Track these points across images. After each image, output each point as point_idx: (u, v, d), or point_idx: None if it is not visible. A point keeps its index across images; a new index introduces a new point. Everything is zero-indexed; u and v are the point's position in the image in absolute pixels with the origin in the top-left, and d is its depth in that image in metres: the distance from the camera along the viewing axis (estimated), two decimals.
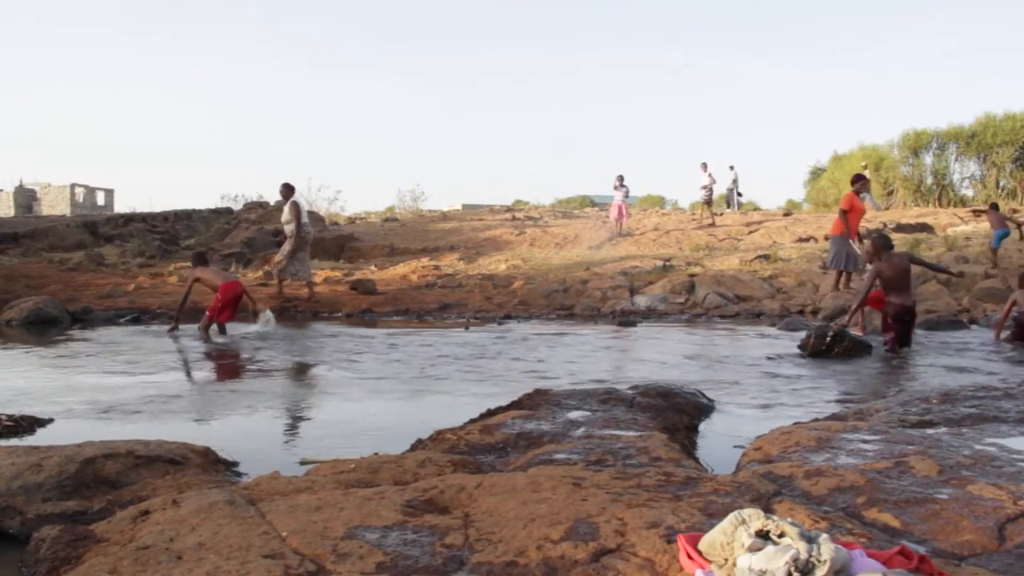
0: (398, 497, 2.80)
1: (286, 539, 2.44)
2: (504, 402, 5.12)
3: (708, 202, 24.54)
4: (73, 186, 48.10)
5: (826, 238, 16.75)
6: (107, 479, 3.45)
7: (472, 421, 4.57)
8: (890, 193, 31.25)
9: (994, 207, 16.34)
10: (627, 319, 12.24)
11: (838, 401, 5.63)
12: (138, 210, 28.52)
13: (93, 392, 6.06)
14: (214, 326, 10.18)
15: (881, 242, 8.54)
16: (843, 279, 12.94)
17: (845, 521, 2.53)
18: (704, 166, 24.24)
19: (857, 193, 12.77)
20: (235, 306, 10.36)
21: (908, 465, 3.10)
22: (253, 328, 10.49)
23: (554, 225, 26.55)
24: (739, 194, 29.48)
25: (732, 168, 28.87)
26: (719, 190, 26.78)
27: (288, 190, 14.30)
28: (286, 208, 14.26)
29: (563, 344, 9.36)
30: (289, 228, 14.10)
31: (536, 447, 3.83)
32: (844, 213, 12.49)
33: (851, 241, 12.51)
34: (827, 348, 7.89)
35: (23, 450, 3.63)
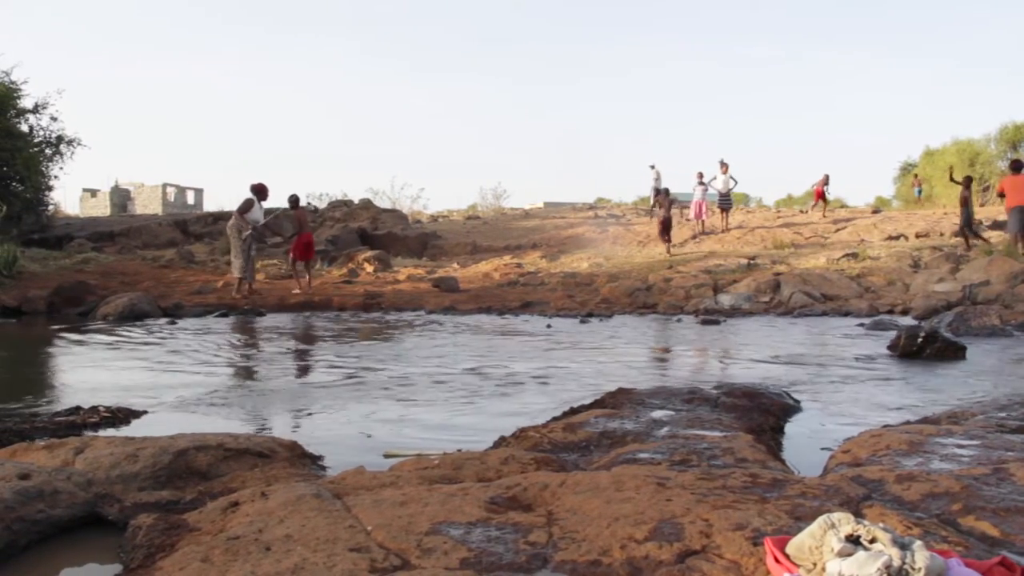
0: (482, 494, 2.82)
1: (371, 533, 2.47)
2: (586, 400, 5.11)
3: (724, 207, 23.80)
4: (165, 186, 49.69)
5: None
6: (198, 470, 3.55)
7: (555, 419, 4.56)
8: (986, 189, 30.17)
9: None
10: (711, 317, 12.09)
11: (930, 404, 5.44)
12: (226, 208, 29.24)
13: (183, 385, 6.26)
14: (301, 265, 16.30)
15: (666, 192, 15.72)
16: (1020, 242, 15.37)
17: (940, 528, 2.45)
18: (724, 166, 23.30)
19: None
20: (309, 250, 16.18)
21: (1008, 472, 2.97)
22: None
23: (637, 223, 26.36)
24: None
25: (653, 167, 27.01)
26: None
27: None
28: (263, 207, 15.33)
29: (645, 342, 9.29)
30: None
31: (619, 446, 3.81)
32: None
33: None
34: (918, 349, 7.61)
35: (120, 440, 3.77)
